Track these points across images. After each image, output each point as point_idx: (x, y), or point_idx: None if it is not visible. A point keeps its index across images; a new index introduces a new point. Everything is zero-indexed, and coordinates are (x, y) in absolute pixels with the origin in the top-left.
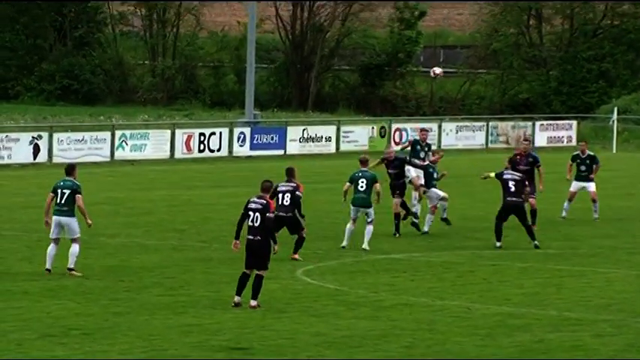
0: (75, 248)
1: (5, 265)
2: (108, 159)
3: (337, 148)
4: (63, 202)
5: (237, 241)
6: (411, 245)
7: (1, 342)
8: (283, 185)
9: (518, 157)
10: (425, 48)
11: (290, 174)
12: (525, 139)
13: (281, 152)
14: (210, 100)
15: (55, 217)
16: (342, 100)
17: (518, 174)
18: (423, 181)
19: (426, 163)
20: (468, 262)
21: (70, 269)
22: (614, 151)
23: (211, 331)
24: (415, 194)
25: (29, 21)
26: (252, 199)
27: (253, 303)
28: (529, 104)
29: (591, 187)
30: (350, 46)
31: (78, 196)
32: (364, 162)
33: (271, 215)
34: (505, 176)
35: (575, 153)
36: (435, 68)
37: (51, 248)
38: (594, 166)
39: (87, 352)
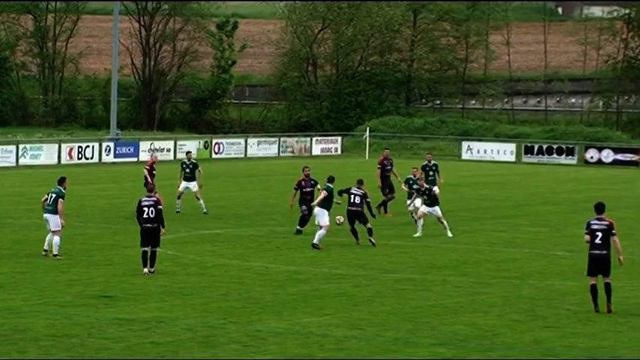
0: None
1: None
2: (14, 164)
3: (175, 156)
4: (50, 203)
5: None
6: (227, 224)
7: None
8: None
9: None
10: (235, 86)
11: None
12: (386, 148)
13: (135, 159)
14: (86, 123)
15: (44, 215)
16: (178, 122)
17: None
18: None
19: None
20: (266, 236)
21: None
22: (367, 157)
23: (87, 284)
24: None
25: None
26: (142, 199)
27: (152, 269)
28: (308, 125)
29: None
30: (183, 85)
31: (60, 199)
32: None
33: (161, 207)
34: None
35: (424, 163)
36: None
37: (48, 237)
38: (439, 172)
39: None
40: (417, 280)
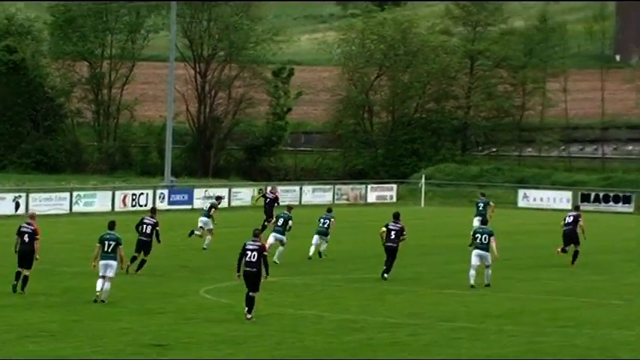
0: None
1: None
2: (67, 212)
3: (229, 204)
4: (109, 250)
5: (239, 274)
6: (280, 271)
7: None
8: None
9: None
10: (291, 133)
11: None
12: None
13: (190, 207)
14: (141, 170)
15: (102, 261)
16: (232, 169)
17: (398, 225)
18: None
19: None
20: (320, 283)
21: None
22: (422, 205)
23: (139, 332)
24: None
25: (13, 114)
26: (248, 242)
27: (249, 316)
28: (363, 172)
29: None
30: (238, 132)
31: (120, 246)
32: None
33: (266, 253)
34: (389, 227)
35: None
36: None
37: (99, 282)
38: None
39: (51, 349)
40: (473, 328)
